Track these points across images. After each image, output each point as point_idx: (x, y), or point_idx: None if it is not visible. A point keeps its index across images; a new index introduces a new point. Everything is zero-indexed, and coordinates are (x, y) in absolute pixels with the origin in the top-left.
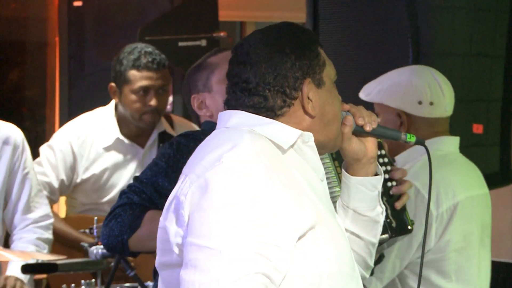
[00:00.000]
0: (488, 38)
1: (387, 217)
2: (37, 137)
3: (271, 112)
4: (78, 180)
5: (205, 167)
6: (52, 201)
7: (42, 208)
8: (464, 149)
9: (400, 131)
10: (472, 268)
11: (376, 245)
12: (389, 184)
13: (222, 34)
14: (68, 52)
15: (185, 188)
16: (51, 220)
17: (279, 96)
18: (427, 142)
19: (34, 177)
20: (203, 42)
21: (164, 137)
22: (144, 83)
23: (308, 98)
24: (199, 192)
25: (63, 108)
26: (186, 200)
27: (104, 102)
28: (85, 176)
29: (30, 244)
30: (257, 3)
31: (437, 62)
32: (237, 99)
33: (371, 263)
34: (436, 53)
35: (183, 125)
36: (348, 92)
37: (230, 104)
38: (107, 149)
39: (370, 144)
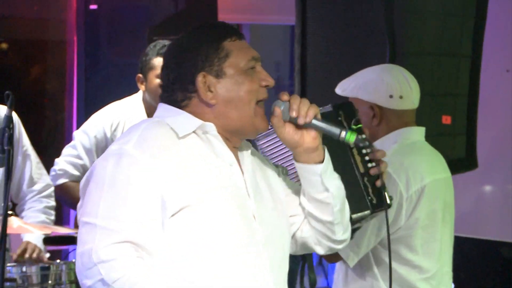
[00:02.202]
0: (456, 39)
1: (368, 195)
2: (57, 125)
3: (176, 104)
4: None
5: None
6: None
7: (43, 179)
8: (434, 138)
9: (373, 122)
10: (435, 242)
11: (336, 222)
12: (369, 165)
13: None
14: (84, 50)
15: None
16: (52, 188)
17: (179, 91)
18: (397, 132)
19: (32, 152)
20: None
21: None
22: None
23: (209, 89)
24: (88, 175)
25: (80, 99)
26: (82, 184)
27: (116, 93)
28: None
29: (40, 213)
30: (252, 7)
31: (411, 60)
32: (161, 94)
33: (336, 237)
34: (410, 53)
35: None
36: (331, 86)
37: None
38: None
39: (308, 136)
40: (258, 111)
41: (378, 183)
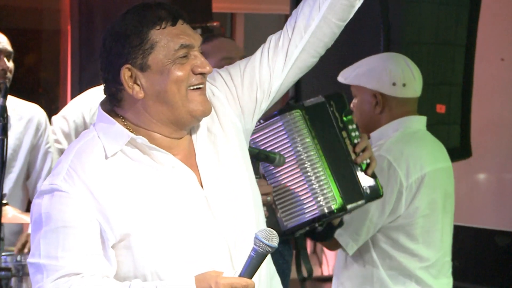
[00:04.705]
0: (450, 29)
1: (361, 185)
2: (51, 114)
3: (114, 99)
4: None
5: None
6: None
7: None
8: (429, 127)
9: (376, 110)
10: (436, 232)
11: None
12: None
13: (215, 24)
14: (79, 39)
15: None
16: None
17: (111, 83)
18: (399, 121)
19: (55, 151)
20: (199, 31)
21: None
22: None
23: (136, 81)
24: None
25: (74, 88)
26: None
27: None
28: None
29: None
30: None
31: (405, 49)
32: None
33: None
34: (404, 42)
35: None
36: (324, 74)
37: None
38: None
39: None
40: (192, 97)
41: (368, 172)
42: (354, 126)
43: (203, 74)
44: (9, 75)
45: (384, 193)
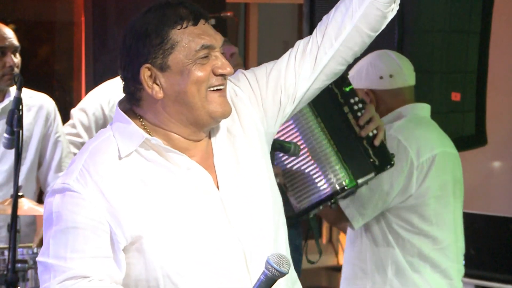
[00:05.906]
0: (464, 16)
1: (369, 157)
2: (65, 106)
3: (132, 99)
4: None
5: None
6: None
7: None
8: (444, 115)
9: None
10: (448, 214)
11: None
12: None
13: (229, 14)
14: (92, 31)
15: None
16: None
17: (130, 81)
18: (405, 108)
19: (65, 140)
20: (212, 21)
21: None
22: None
23: (155, 81)
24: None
25: (88, 80)
26: None
27: None
28: None
29: None
30: None
31: (420, 38)
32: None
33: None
34: (419, 30)
35: None
36: None
37: None
38: None
39: None
40: (212, 98)
41: (376, 142)
42: (356, 99)
43: (223, 75)
44: (16, 70)
45: (393, 171)
